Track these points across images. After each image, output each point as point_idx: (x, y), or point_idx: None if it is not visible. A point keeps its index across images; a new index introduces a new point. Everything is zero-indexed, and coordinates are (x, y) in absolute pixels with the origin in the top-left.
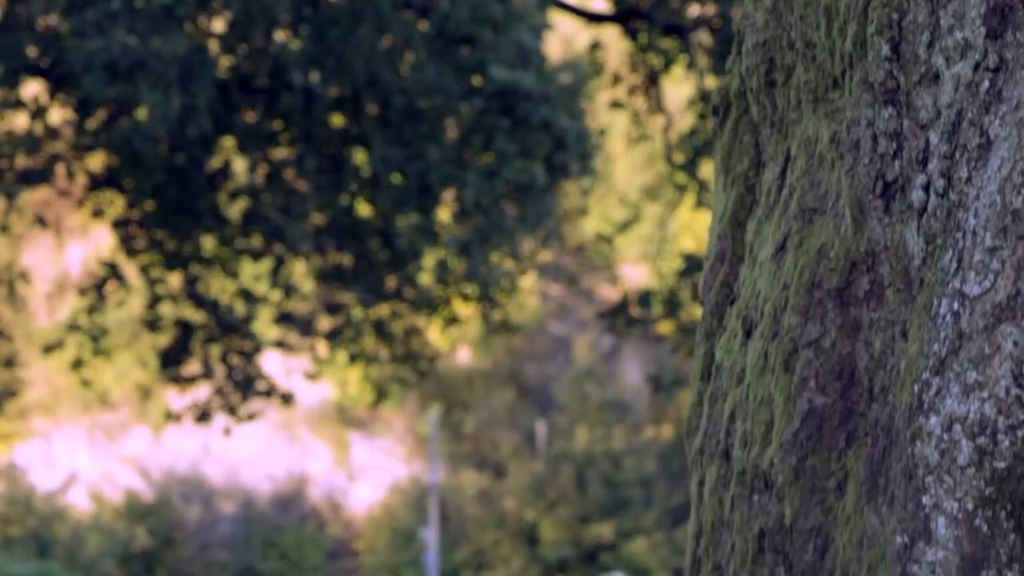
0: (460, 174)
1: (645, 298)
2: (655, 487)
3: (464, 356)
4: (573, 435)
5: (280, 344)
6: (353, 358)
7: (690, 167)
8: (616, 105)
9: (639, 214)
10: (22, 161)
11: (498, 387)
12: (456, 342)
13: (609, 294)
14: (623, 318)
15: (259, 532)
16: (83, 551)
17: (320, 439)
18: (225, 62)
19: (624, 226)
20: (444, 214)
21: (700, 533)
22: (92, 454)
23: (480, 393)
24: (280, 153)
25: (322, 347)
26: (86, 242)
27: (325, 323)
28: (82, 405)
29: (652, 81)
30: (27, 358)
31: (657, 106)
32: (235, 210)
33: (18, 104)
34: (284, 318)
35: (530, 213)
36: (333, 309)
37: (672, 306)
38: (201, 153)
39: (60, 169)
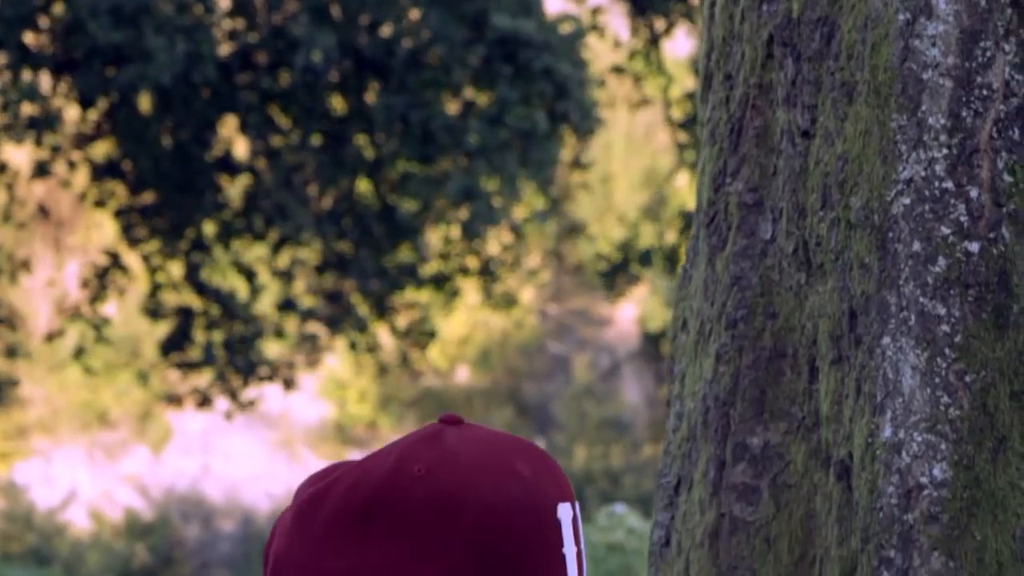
0: (463, 121)
1: (646, 256)
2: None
3: (463, 374)
4: (572, 453)
5: (282, 338)
6: (353, 346)
7: (690, 124)
8: (617, 69)
9: (638, 233)
10: (28, 109)
11: (497, 405)
12: (455, 360)
13: (608, 312)
14: (624, 277)
15: (259, 550)
16: (83, 568)
17: (319, 457)
18: (226, 48)
19: (623, 245)
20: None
21: (711, 50)
22: (92, 473)
23: (479, 411)
24: (282, 130)
25: (323, 334)
26: (85, 260)
27: (326, 312)
28: (81, 424)
29: (653, 43)
30: (27, 377)
31: (658, 69)
32: (236, 191)
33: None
34: (286, 305)
35: (532, 159)
36: (334, 298)
37: (673, 264)
38: (203, 131)
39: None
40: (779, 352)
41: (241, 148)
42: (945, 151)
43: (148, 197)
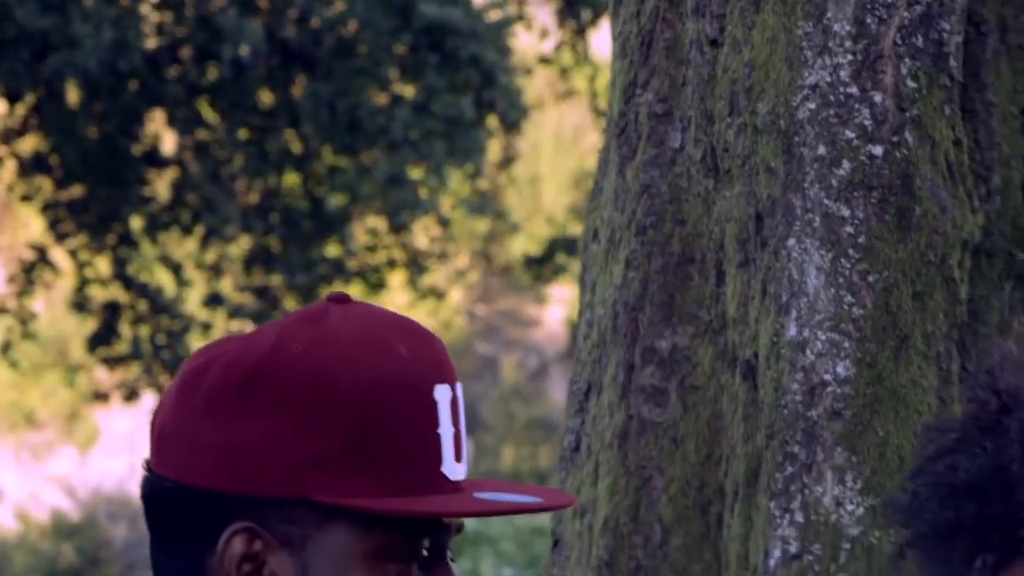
0: (389, 109)
1: (572, 245)
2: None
3: None
4: (500, 453)
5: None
6: None
7: None
8: (544, 60)
9: (566, 231)
10: None
11: None
12: None
13: (535, 313)
14: (550, 266)
15: None
16: (9, 569)
17: None
18: (154, 42)
19: (551, 246)
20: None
21: None
22: (18, 474)
23: None
24: (209, 125)
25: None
26: (12, 258)
27: (253, 307)
28: (8, 425)
29: (580, 34)
30: None
31: (584, 57)
32: (163, 185)
33: None
34: (213, 300)
35: (459, 147)
36: (261, 293)
37: None
38: (130, 124)
39: None
40: (687, 257)
41: (169, 142)
42: (850, 57)
43: (75, 191)
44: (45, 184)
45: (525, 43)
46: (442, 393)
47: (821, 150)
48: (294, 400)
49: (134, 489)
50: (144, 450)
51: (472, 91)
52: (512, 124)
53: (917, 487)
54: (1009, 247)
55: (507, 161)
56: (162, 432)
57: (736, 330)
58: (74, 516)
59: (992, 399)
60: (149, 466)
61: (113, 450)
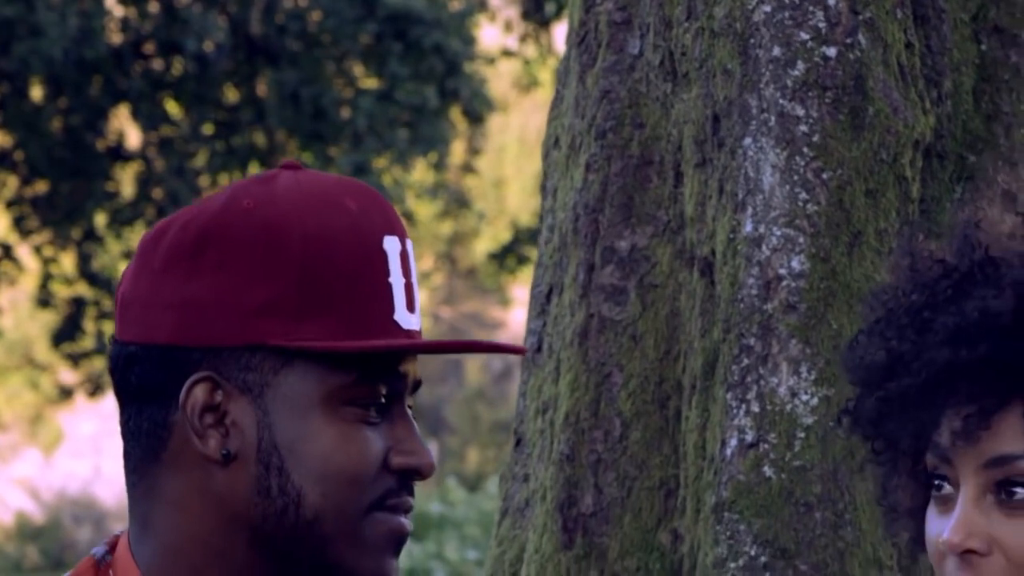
0: (354, 97)
1: (536, 235)
2: None
3: None
4: (465, 456)
5: None
6: None
7: None
8: (507, 53)
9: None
10: None
11: None
12: None
13: (500, 316)
14: (514, 257)
15: None
16: None
17: None
18: (119, 37)
19: (515, 236)
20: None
21: None
22: None
23: None
24: (174, 121)
25: None
26: None
27: None
28: None
29: (543, 26)
30: None
31: (548, 50)
32: (128, 180)
33: None
34: None
35: (423, 136)
36: None
37: None
38: (95, 119)
39: None
40: (646, 159)
41: (133, 137)
42: None
43: (40, 187)
44: (10, 180)
45: (490, 37)
46: (391, 244)
47: (776, 51)
48: (245, 252)
49: (99, 491)
50: (109, 453)
51: (436, 80)
52: (476, 116)
53: (888, 343)
54: (960, 150)
55: (472, 153)
56: (123, 301)
57: (693, 229)
58: (38, 518)
59: (977, 250)
60: (114, 338)
61: (77, 452)
